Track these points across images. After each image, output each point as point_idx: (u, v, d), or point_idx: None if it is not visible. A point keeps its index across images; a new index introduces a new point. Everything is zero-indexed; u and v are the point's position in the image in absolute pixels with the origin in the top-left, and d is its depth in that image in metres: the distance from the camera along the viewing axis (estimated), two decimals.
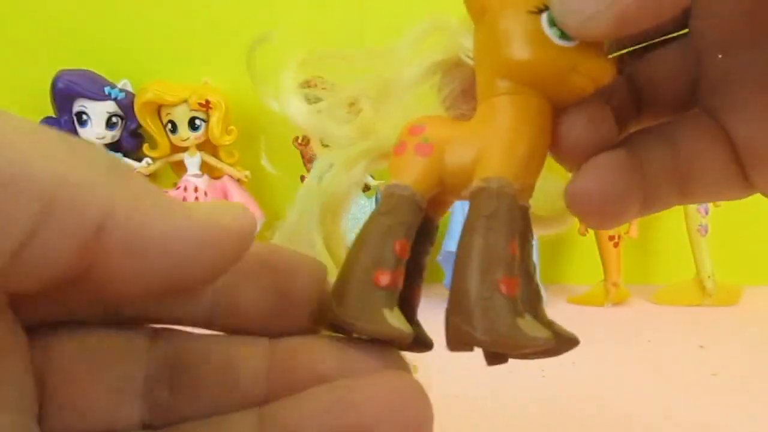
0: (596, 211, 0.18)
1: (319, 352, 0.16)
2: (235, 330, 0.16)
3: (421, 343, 0.19)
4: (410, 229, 0.18)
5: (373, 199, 0.65)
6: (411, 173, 0.18)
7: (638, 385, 0.43)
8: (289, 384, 0.16)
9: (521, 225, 0.17)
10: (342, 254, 0.20)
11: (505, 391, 0.43)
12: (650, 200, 0.18)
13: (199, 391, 0.15)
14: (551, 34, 0.17)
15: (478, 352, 0.19)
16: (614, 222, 0.18)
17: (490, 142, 0.18)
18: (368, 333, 0.17)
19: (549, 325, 0.18)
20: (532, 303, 0.18)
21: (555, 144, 0.18)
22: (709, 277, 0.64)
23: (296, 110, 0.23)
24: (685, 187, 0.19)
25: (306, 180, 0.22)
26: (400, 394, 0.15)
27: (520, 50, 0.17)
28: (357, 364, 0.16)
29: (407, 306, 0.19)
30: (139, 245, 0.12)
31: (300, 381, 0.16)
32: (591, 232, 0.66)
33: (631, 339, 0.54)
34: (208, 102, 0.64)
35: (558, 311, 0.63)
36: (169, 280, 0.13)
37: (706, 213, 0.66)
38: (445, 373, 0.45)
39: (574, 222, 0.22)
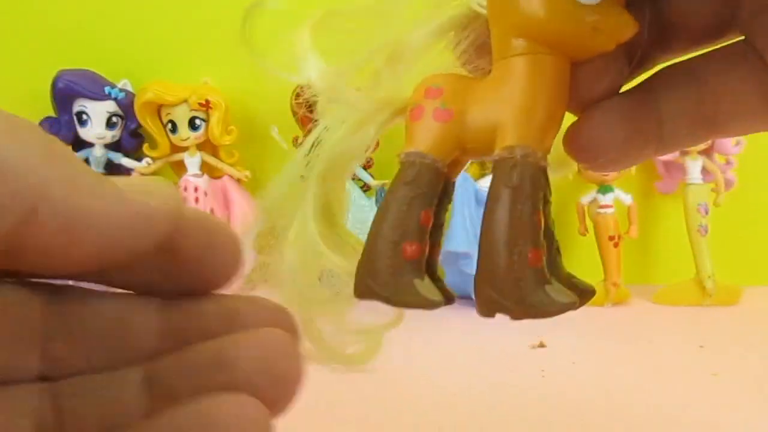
0: (597, 156, 0.18)
1: (206, 312, 0.17)
2: (128, 287, 0.17)
3: (447, 299, 0.19)
4: (433, 198, 0.18)
5: (374, 199, 0.65)
6: (431, 140, 0.18)
7: (638, 385, 0.43)
8: (179, 342, 0.16)
9: (544, 189, 0.18)
10: (342, 214, 0.21)
11: (505, 390, 0.43)
12: (669, 140, 0.18)
13: (93, 345, 0.16)
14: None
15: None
16: (625, 164, 0.19)
17: (510, 107, 0.17)
18: (403, 305, 0.17)
19: (569, 281, 0.19)
20: (555, 263, 0.19)
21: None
22: (709, 277, 0.64)
23: (316, 71, 0.21)
24: (712, 126, 0.18)
25: (304, 141, 0.22)
26: (274, 351, 0.16)
27: (539, 8, 0.17)
28: (243, 322, 0.17)
29: (429, 263, 0.19)
30: (71, 228, 0.13)
31: (189, 340, 0.16)
32: (591, 232, 0.66)
33: (631, 339, 0.54)
34: (208, 102, 0.64)
35: None
36: (99, 259, 0.14)
37: (706, 213, 0.66)
38: (446, 372, 0.45)
39: (574, 167, 0.22)
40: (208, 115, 0.65)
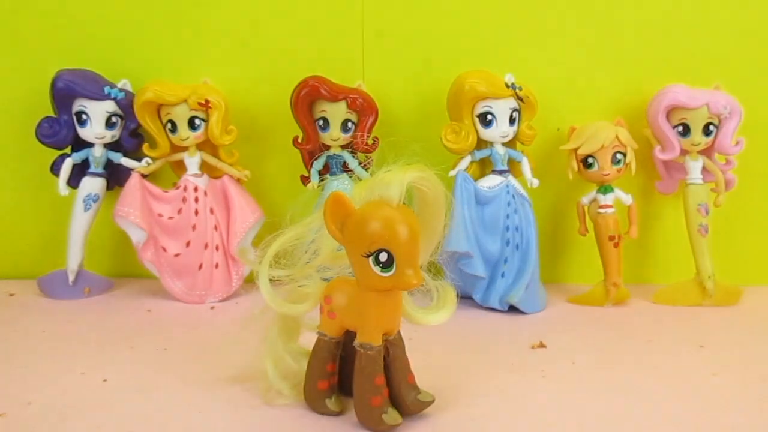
0: None
1: None
2: None
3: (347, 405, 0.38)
4: (335, 356, 0.38)
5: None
6: (328, 327, 0.38)
7: (638, 385, 0.43)
8: None
9: (381, 361, 0.36)
10: (297, 335, 0.42)
11: (505, 390, 0.43)
12: None
13: None
14: (377, 270, 0.33)
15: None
16: None
17: (362, 319, 0.36)
18: (320, 413, 0.38)
19: (413, 399, 0.37)
20: (399, 395, 0.37)
21: None
22: (709, 277, 0.64)
23: (266, 294, 0.39)
24: None
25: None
26: None
27: (362, 279, 0.34)
28: None
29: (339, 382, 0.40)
30: None
31: None
32: (591, 232, 0.66)
33: (631, 339, 0.54)
34: (207, 102, 0.64)
35: (558, 311, 0.63)
36: None
37: (707, 213, 0.66)
38: (445, 372, 0.45)
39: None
40: (207, 114, 0.65)
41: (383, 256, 0.31)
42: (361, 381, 0.35)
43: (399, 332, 0.37)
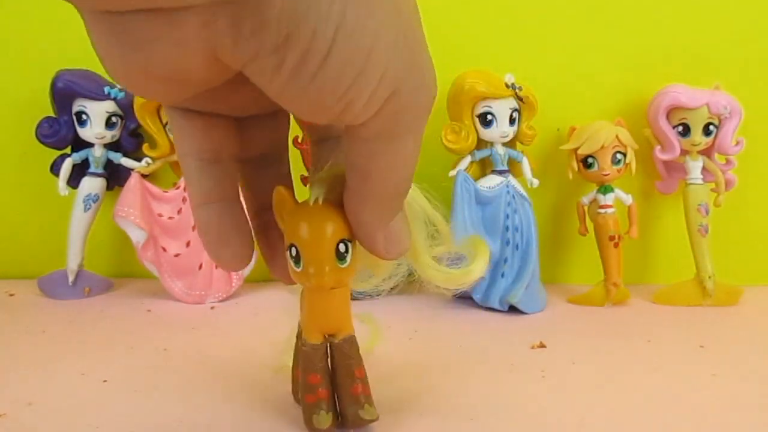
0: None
1: None
2: None
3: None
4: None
5: None
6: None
7: (638, 385, 0.43)
8: None
9: (325, 359, 0.34)
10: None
11: (505, 390, 0.43)
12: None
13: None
14: (292, 264, 0.31)
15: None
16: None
17: (301, 315, 0.35)
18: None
19: (352, 409, 0.34)
20: (344, 397, 0.35)
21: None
22: (709, 277, 0.64)
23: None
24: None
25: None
26: None
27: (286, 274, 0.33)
28: None
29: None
30: None
31: None
32: (591, 232, 0.66)
33: (631, 339, 0.54)
34: None
35: (558, 311, 0.63)
36: None
37: (707, 213, 0.66)
38: (445, 372, 0.45)
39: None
40: None
41: (293, 251, 0.31)
42: (299, 377, 0.35)
43: (350, 338, 0.34)
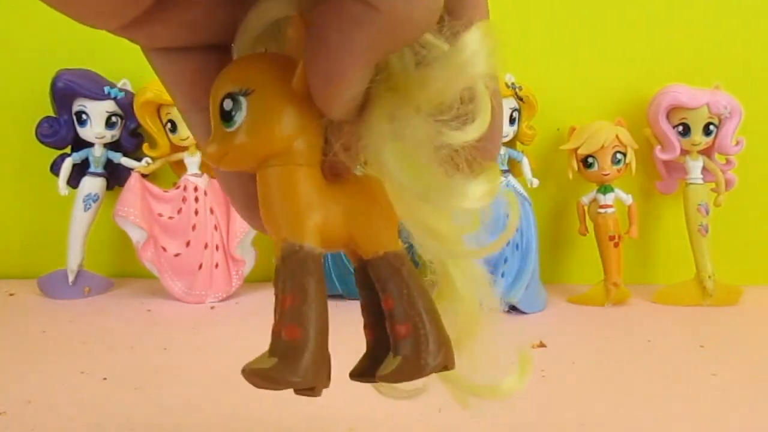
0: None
1: None
2: None
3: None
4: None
5: None
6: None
7: (638, 385, 0.43)
8: None
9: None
10: None
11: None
12: None
13: None
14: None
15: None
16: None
17: None
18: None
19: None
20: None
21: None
22: (709, 277, 0.64)
23: None
24: None
25: None
26: None
27: None
28: None
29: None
30: None
31: None
32: (591, 232, 0.66)
33: (631, 339, 0.54)
34: None
35: (558, 311, 0.63)
36: None
37: (707, 213, 0.66)
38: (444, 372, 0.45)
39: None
40: None
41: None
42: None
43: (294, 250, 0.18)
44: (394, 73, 0.18)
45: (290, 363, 0.17)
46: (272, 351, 0.18)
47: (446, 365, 0.20)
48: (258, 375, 0.18)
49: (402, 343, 0.19)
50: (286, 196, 0.19)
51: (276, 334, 0.18)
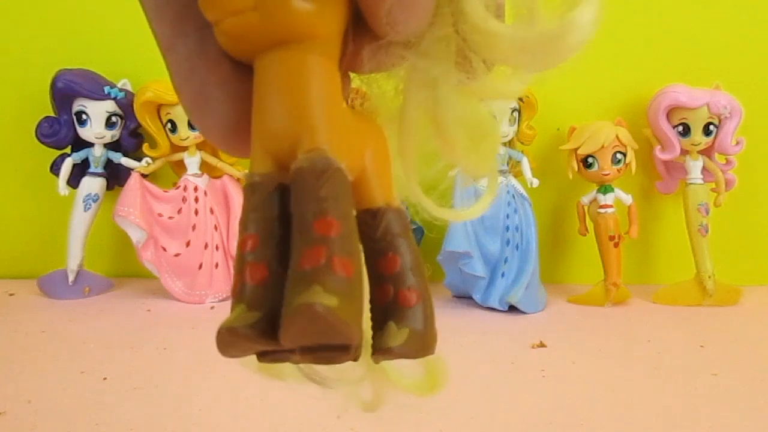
0: None
1: None
2: None
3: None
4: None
5: None
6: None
7: (638, 385, 0.43)
8: None
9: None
10: None
11: (505, 390, 0.43)
12: None
13: None
14: None
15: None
16: None
17: None
18: None
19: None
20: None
21: None
22: (709, 277, 0.64)
23: None
24: None
25: None
26: None
27: None
28: None
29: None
30: None
31: None
32: (591, 232, 0.66)
33: (631, 339, 0.54)
34: None
35: (558, 311, 0.63)
36: None
37: (707, 213, 0.66)
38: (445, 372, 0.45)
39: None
40: None
41: None
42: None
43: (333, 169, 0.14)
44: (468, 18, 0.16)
45: (357, 305, 0.13)
46: (327, 286, 0.13)
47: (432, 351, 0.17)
48: (329, 315, 0.12)
49: (410, 312, 0.16)
50: (323, 89, 0.15)
51: (326, 266, 0.13)
